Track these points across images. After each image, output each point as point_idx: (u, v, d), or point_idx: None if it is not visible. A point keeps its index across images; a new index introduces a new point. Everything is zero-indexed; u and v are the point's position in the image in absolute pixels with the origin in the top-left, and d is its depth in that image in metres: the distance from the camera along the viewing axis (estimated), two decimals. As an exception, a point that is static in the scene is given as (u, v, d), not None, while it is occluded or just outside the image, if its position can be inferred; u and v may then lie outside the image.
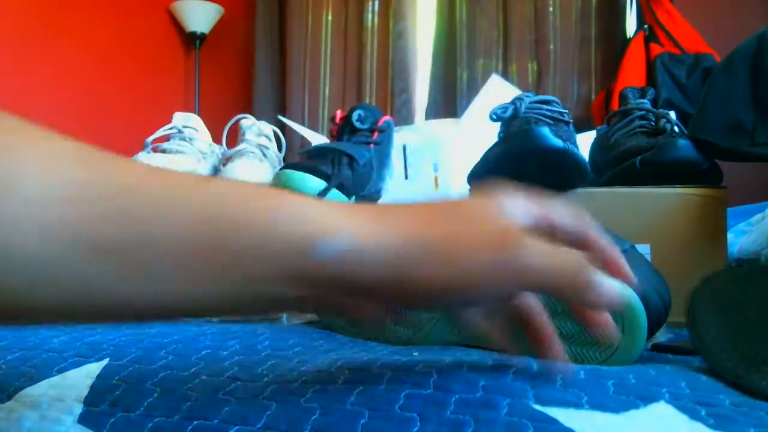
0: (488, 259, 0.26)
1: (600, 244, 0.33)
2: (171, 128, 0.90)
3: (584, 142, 0.79)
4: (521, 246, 0.27)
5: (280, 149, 0.99)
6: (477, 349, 0.45)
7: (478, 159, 0.65)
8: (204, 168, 0.88)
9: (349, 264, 0.24)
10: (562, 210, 0.32)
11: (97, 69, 2.47)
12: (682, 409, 0.30)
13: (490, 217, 0.28)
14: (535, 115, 0.65)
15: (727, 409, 0.31)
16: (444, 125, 1.39)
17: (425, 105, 1.84)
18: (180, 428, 0.28)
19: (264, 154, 0.92)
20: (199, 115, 0.96)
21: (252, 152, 0.90)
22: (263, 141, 0.93)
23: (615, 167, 0.72)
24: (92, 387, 0.32)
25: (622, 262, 0.32)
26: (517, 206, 0.29)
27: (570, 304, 0.34)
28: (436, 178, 1.09)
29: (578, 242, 0.32)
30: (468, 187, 0.68)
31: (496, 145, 0.63)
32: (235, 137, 0.94)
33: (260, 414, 0.28)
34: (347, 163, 0.80)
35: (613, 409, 0.29)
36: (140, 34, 2.66)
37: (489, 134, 0.74)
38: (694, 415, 0.29)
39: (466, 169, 0.67)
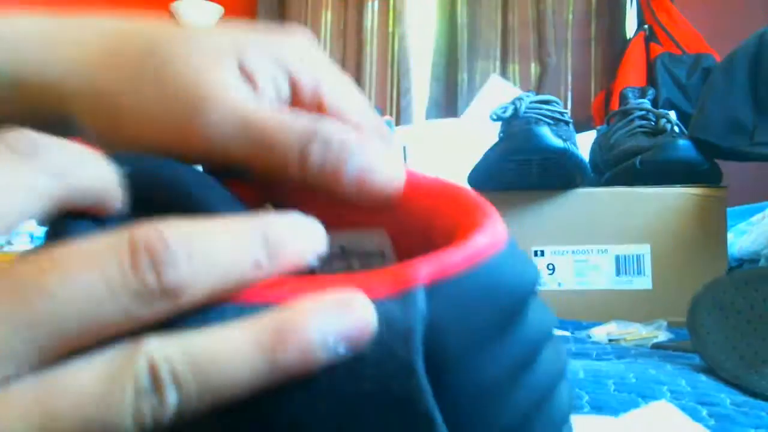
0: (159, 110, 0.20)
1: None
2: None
3: (584, 142, 0.79)
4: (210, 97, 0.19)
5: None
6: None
7: (479, 159, 0.65)
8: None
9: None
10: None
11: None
12: (683, 408, 0.30)
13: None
14: (535, 115, 0.65)
15: (727, 408, 0.31)
16: (444, 125, 1.39)
17: (426, 105, 1.84)
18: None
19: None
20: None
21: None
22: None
23: (615, 167, 0.72)
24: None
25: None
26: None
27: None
28: (436, 178, 1.09)
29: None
30: (468, 187, 0.67)
31: (496, 145, 0.63)
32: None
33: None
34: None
35: (613, 410, 0.29)
36: (140, 34, 2.65)
37: (489, 134, 0.74)
38: (695, 416, 0.29)
39: (467, 168, 0.67)
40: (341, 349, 0.13)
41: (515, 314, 0.15)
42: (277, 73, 0.21)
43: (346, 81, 0.22)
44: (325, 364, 0.13)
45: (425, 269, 0.14)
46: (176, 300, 0.13)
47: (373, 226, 0.20)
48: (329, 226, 0.20)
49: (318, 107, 0.21)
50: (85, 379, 0.12)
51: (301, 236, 0.15)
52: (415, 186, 0.19)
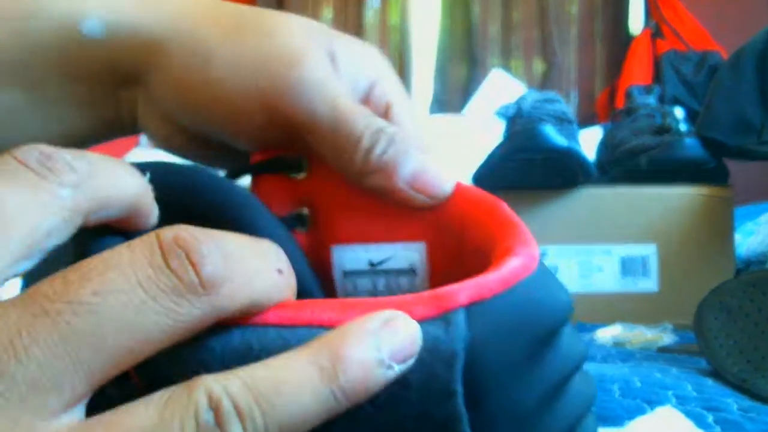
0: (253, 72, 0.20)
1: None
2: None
3: (588, 139, 0.79)
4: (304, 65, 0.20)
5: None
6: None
7: (483, 159, 0.64)
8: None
9: (111, 44, 0.21)
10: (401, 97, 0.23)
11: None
12: (689, 414, 0.29)
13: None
14: (538, 114, 0.64)
15: (734, 414, 0.31)
16: (446, 121, 1.38)
17: (428, 101, 1.84)
18: None
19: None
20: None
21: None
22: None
23: (620, 166, 0.71)
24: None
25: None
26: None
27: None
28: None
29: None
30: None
31: (500, 144, 0.63)
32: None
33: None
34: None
35: (619, 418, 0.28)
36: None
37: (491, 129, 0.74)
38: (701, 422, 0.29)
39: (469, 163, 0.66)
40: (396, 368, 0.13)
41: (549, 337, 0.15)
42: (358, 73, 0.22)
43: (411, 101, 0.23)
44: (384, 384, 0.13)
45: (464, 292, 0.14)
46: (216, 293, 0.13)
47: (409, 240, 0.20)
48: (361, 238, 0.20)
49: (384, 115, 0.22)
50: (142, 419, 0.11)
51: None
52: (456, 190, 0.20)
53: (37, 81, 0.22)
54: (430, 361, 0.13)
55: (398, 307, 0.14)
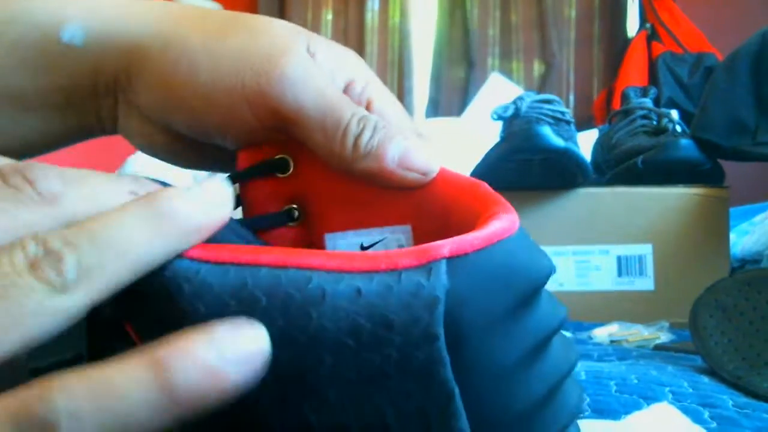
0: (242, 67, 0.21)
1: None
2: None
3: (586, 141, 0.79)
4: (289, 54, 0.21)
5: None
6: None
7: (480, 159, 0.65)
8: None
9: (93, 50, 0.22)
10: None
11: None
12: (685, 410, 0.30)
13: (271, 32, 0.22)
14: (536, 115, 0.65)
15: (729, 410, 0.31)
16: (446, 124, 1.39)
17: (425, 104, 1.84)
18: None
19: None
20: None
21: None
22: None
23: (617, 167, 0.72)
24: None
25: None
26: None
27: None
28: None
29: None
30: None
31: (497, 145, 0.63)
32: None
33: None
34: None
35: (615, 412, 0.28)
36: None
37: (490, 132, 0.74)
38: (697, 418, 0.29)
39: (468, 167, 0.66)
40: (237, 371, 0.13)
41: (529, 297, 0.15)
42: (337, 68, 0.22)
43: (391, 94, 0.24)
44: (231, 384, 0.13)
45: (447, 246, 0.15)
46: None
47: (397, 224, 0.21)
48: (351, 225, 0.21)
49: (365, 108, 0.23)
50: None
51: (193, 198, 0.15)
52: (438, 175, 0.21)
53: (16, 87, 0.22)
54: (413, 304, 0.14)
55: (385, 258, 0.15)
